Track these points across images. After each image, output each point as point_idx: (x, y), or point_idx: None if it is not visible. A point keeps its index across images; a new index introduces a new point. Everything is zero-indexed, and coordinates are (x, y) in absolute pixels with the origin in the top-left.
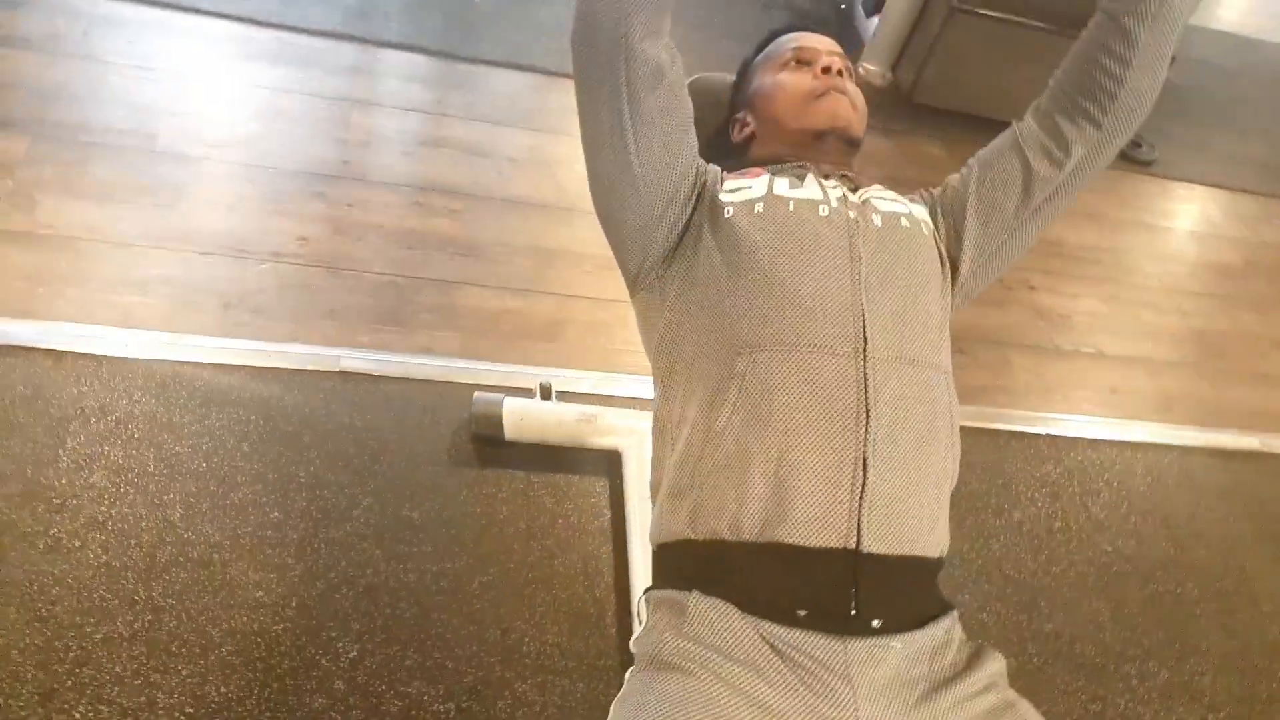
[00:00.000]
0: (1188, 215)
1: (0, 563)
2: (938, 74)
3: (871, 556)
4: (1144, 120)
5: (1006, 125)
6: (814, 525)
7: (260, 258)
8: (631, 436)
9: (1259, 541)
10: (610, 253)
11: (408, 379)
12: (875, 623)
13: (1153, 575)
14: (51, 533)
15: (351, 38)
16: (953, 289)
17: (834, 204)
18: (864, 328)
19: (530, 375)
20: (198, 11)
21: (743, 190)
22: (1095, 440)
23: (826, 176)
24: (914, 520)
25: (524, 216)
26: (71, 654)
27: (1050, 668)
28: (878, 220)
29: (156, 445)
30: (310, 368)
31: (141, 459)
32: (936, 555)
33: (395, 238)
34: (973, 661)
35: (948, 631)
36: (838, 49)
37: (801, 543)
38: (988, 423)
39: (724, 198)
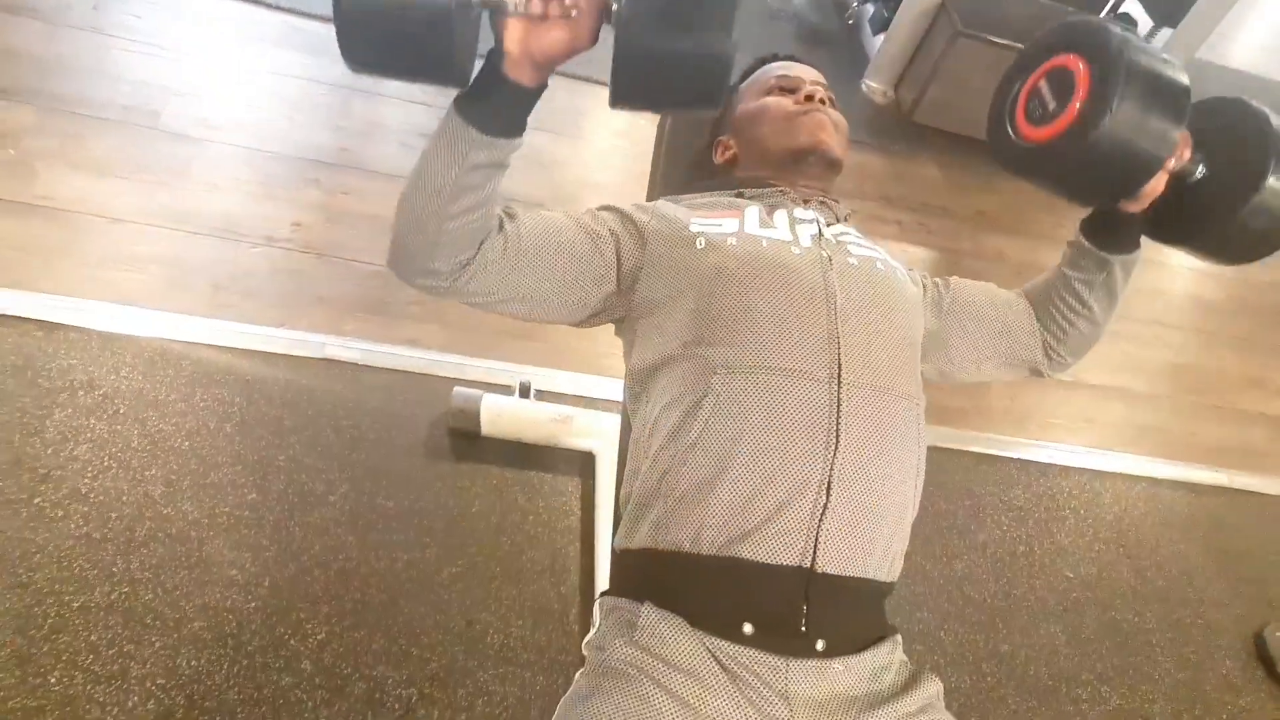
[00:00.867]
0: (1175, 251)
1: None
2: (939, 95)
3: (825, 576)
4: (1081, 359)
5: None
6: (774, 543)
7: (253, 241)
8: (606, 439)
9: (1219, 575)
10: None
11: (390, 370)
12: (820, 644)
13: (1111, 603)
14: (35, 501)
15: None
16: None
17: (806, 243)
18: (839, 354)
19: (511, 373)
20: None
21: (714, 227)
22: (1066, 467)
23: (806, 202)
24: (870, 544)
25: None
26: (49, 621)
27: (1003, 688)
28: (853, 260)
29: (141, 421)
30: (296, 353)
31: (126, 434)
32: (887, 580)
33: (388, 228)
34: (910, 684)
35: (889, 654)
36: (821, 79)
37: (760, 559)
38: (961, 444)
39: (696, 228)
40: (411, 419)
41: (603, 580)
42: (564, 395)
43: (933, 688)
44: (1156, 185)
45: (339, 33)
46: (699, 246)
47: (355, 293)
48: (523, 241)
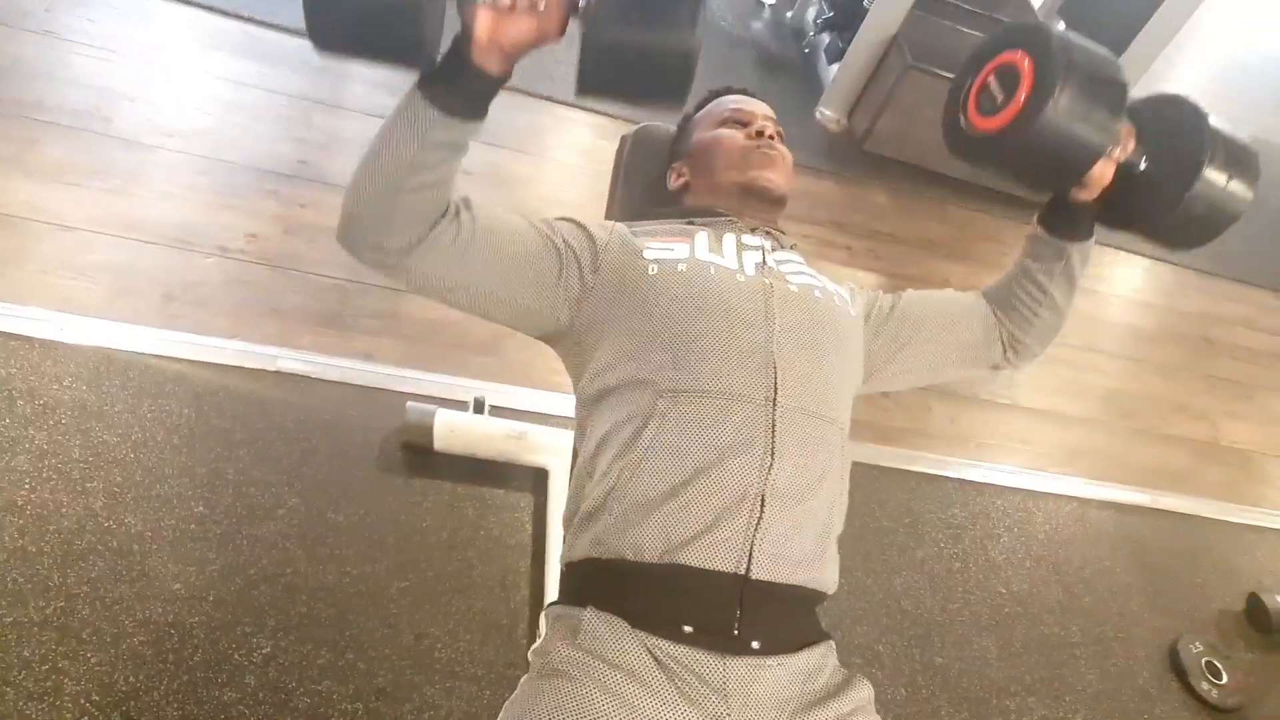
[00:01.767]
0: (1114, 279)
1: None
2: (890, 126)
3: (758, 583)
4: (1047, 347)
5: (953, 180)
6: (712, 551)
7: (206, 251)
8: (559, 455)
9: (1141, 592)
10: None
11: (344, 383)
12: (755, 643)
13: (1040, 618)
14: None
15: None
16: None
17: (750, 272)
18: (775, 379)
19: (466, 388)
20: None
21: (665, 252)
22: (1001, 487)
23: (752, 230)
24: (799, 554)
25: None
26: None
27: (936, 699)
28: (793, 287)
29: (84, 432)
30: (248, 365)
31: (67, 445)
32: (815, 589)
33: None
34: (843, 687)
35: (822, 657)
36: (772, 114)
37: (698, 565)
38: (902, 463)
39: (650, 254)
40: (364, 433)
41: (552, 595)
42: (518, 411)
43: (864, 692)
44: (1104, 175)
45: (306, 10)
46: (651, 273)
47: (310, 305)
48: (476, 231)
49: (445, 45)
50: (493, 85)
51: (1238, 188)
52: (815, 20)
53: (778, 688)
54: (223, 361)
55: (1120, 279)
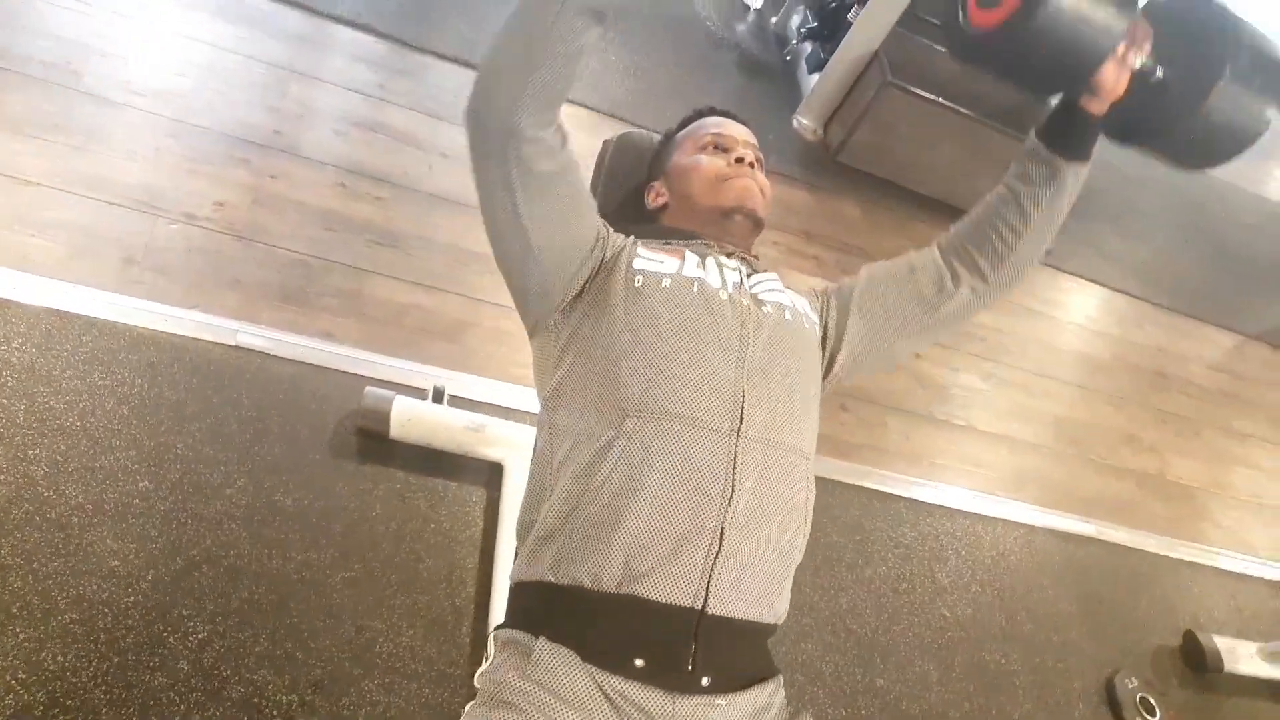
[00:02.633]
0: (1070, 307)
1: None
2: (865, 139)
3: (714, 617)
4: (1021, 284)
5: (923, 198)
6: (670, 583)
7: (171, 217)
8: (516, 450)
9: (1081, 621)
10: None
11: (302, 362)
12: (705, 680)
13: (982, 643)
14: None
15: (302, 6)
16: (826, 378)
17: (730, 291)
18: (742, 408)
19: (426, 375)
20: None
21: (656, 264)
22: (951, 510)
23: (729, 255)
24: (758, 589)
25: (448, 214)
26: None
27: None
28: (767, 309)
29: (30, 396)
30: (205, 337)
31: (11, 409)
32: (772, 622)
33: (314, 216)
34: None
35: (771, 695)
36: (753, 141)
37: (655, 598)
38: (856, 479)
39: (638, 265)
40: (319, 415)
41: (499, 594)
42: (478, 403)
43: None
44: (1118, 82)
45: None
46: (636, 284)
47: (274, 280)
48: (571, 161)
49: None
50: None
51: (1260, 102)
52: (799, 29)
53: None
54: (180, 332)
55: (1077, 307)
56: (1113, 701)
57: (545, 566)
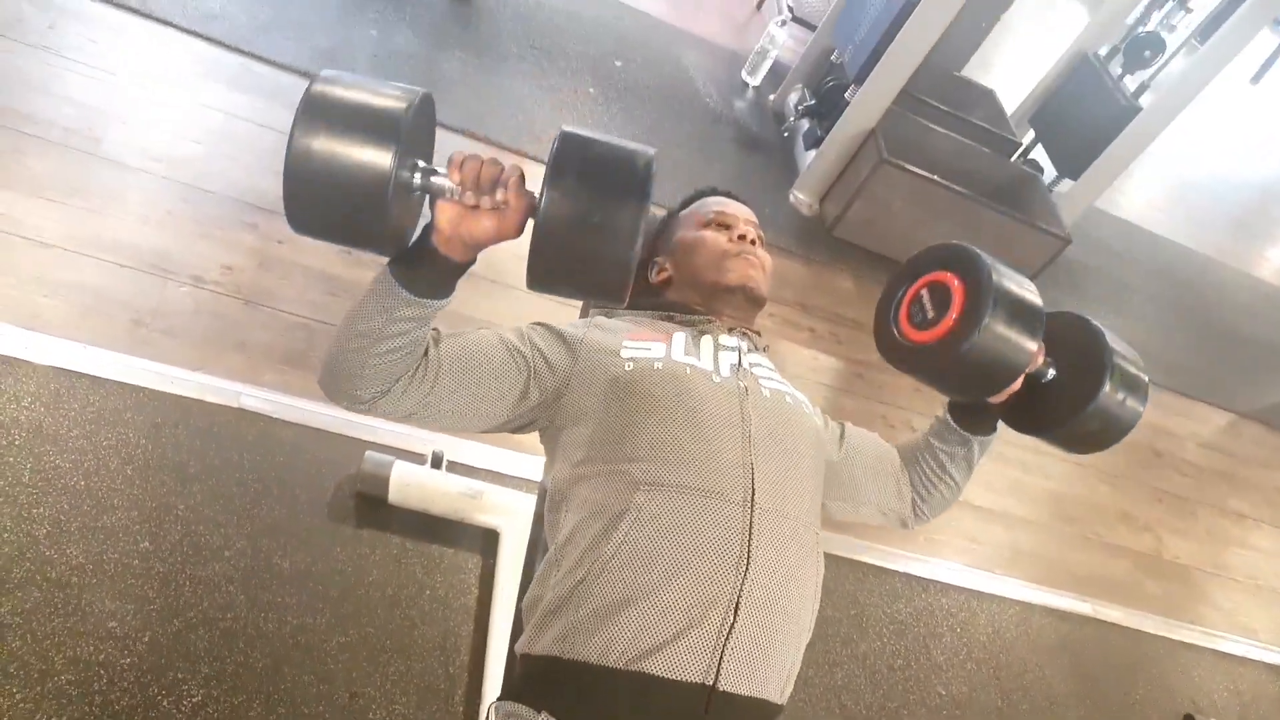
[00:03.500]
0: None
1: None
2: (860, 215)
3: (725, 695)
4: (943, 514)
5: None
6: (681, 659)
7: (180, 280)
8: (513, 517)
9: (1078, 702)
10: None
11: (304, 425)
12: None
13: None
14: None
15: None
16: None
17: (725, 373)
18: (752, 479)
19: (425, 440)
20: (168, 24)
21: (644, 350)
22: (947, 585)
23: (730, 330)
24: (771, 665)
25: None
26: None
27: None
28: (766, 391)
29: (36, 456)
30: (210, 399)
31: (17, 468)
32: (780, 701)
33: (319, 281)
34: None
35: None
36: (754, 219)
37: (665, 675)
38: (853, 554)
39: (627, 353)
40: (319, 478)
41: (494, 662)
42: (476, 469)
43: None
44: (1015, 384)
45: (285, 196)
46: (628, 369)
47: (278, 343)
48: (441, 366)
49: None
50: (456, 270)
51: (1131, 406)
52: (797, 106)
53: None
54: (186, 394)
55: None
56: None
57: (551, 640)
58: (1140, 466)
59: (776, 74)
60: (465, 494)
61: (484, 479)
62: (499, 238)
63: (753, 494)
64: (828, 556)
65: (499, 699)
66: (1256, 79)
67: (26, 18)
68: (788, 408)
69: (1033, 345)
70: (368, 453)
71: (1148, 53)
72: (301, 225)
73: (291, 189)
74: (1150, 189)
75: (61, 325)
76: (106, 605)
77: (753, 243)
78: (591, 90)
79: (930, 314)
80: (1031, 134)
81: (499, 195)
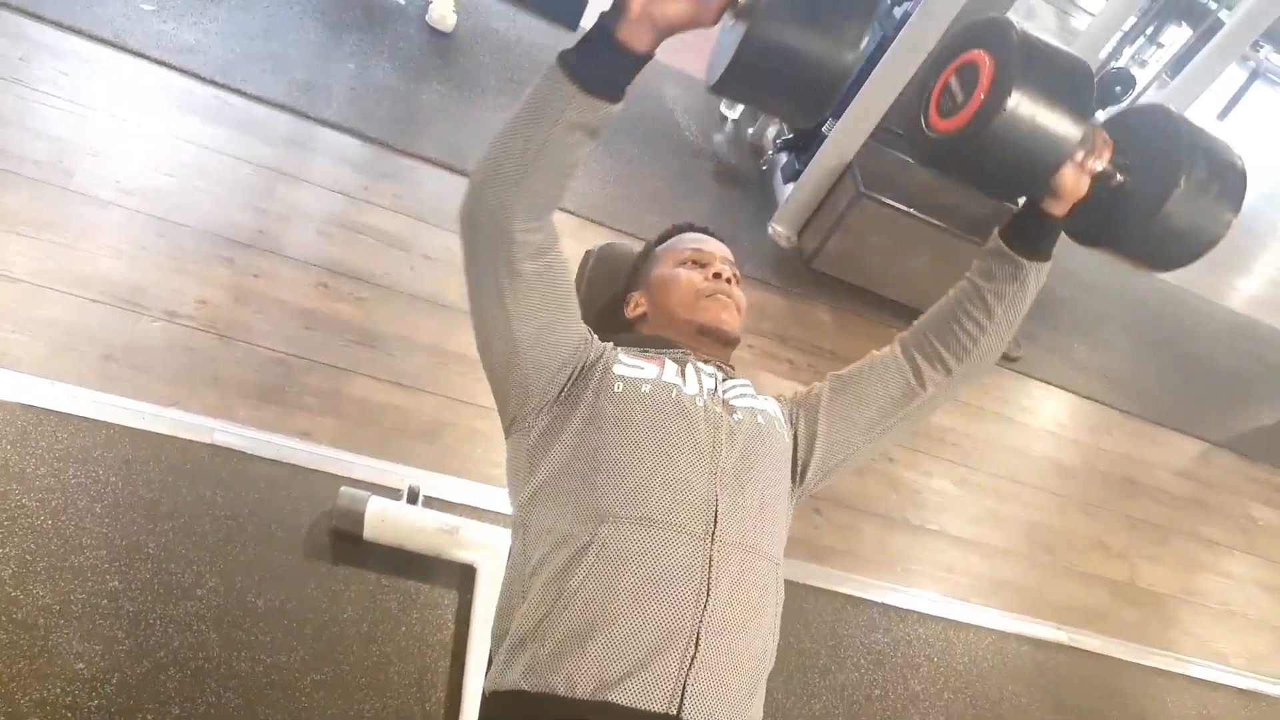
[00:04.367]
0: (1041, 413)
1: None
2: (838, 247)
3: None
4: (982, 377)
5: (894, 304)
6: (645, 689)
7: (153, 315)
8: (489, 553)
9: None
10: None
11: (278, 461)
12: None
13: None
14: None
15: (292, 110)
16: (798, 486)
17: (705, 398)
18: (716, 513)
19: (400, 475)
20: (142, 56)
21: (636, 370)
22: (924, 615)
23: (705, 362)
24: (732, 694)
25: (428, 315)
26: None
27: None
28: (738, 416)
29: (2, 495)
30: (182, 435)
31: None
32: None
33: (295, 316)
34: None
35: None
36: (730, 257)
37: (629, 704)
38: (830, 584)
39: (618, 370)
40: (293, 515)
41: (470, 699)
42: (452, 504)
43: None
44: (1078, 186)
45: None
46: (616, 390)
47: (252, 379)
48: (567, 269)
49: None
50: (635, 63)
51: (1218, 206)
52: (775, 140)
53: None
54: (158, 429)
55: (1046, 413)
56: None
57: (519, 674)
58: (1115, 495)
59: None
60: (441, 529)
61: (460, 514)
62: (694, 22)
63: (715, 527)
64: (805, 588)
65: None
66: (1224, 115)
67: None
68: (758, 432)
69: (1080, 121)
70: (343, 488)
71: (1118, 88)
72: None
73: None
74: None
75: (30, 361)
76: (74, 646)
77: (728, 281)
78: None
79: (959, 98)
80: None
81: None
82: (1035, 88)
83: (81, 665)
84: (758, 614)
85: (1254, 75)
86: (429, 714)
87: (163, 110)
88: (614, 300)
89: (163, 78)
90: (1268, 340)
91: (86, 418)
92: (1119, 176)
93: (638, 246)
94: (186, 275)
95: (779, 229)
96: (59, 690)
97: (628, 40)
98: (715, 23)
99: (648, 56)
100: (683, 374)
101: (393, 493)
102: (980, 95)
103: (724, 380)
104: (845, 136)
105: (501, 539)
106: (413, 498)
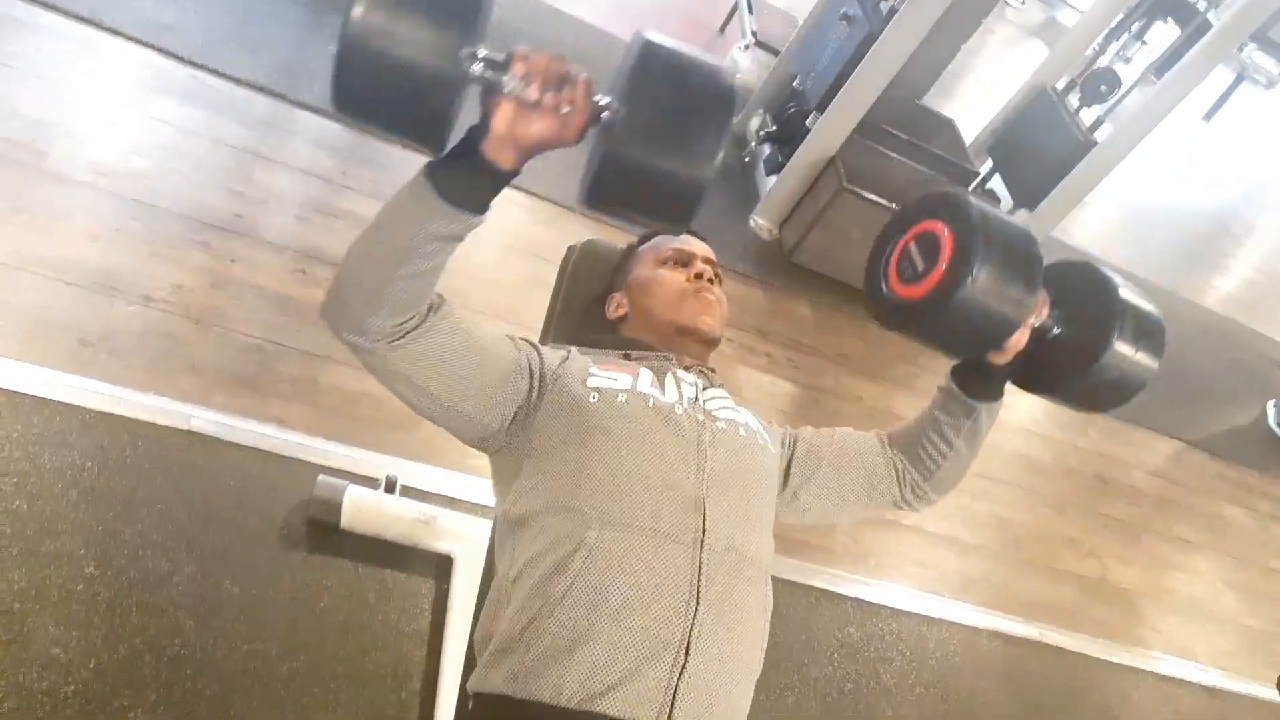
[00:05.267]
0: (1016, 408)
1: None
2: (819, 241)
3: None
4: (947, 495)
5: None
6: (633, 699)
7: (129, 299)
8: (467, 543)
9: None
10: None
11: (255, 449)
12: None
13: None
14: None
15: (271, 92)
16: (785, 502)
17: (686, 406)
18: (704, 519)
19: (378, 465)
20: (119, 34)
21: (610, 381)
22: (897, 610)
23: (687, 368)
24: (723, 703)
25: None
26: None
27: None
28: (721, 424)
29: None
30: (159, 421)
31: None
32: None
33: (272, 302)
34: None
35: None
36: (713, 256)
37: (618, 715)
38: (804, 578)
39: (593, 382)
40: (269, 503)
41: (446, 689)
42: (429, 494)
43: None
44: (1020, 341)
45: (337, 67)
46: (592, 401)
47: (229, 365)
48: (456, 328)
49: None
50: (502, 180)
51: (1145, 357)
52: (758, 131)
53: None
54: (133, 415)
55: (1020, 409)
56: None
57: (503, 679)
58: (1087, 494)
59: (738, 99)
60: (419, 519)
61: (438, 504)
62: (558, 142)
63: (703, 534)
64: (779, 582)
65: None
66: (1209, 116)
67: None
68: (741, 441)
69: (1031, 294)
70: (320, 477)
71: (1104, 87)
72: (347, 99)
73: (348, 57)
74: (1104, 219)
75: (4, 345)
76: (50, 631)
77: (710, 281)
78: None
79: (920, 267)
80: (989, 164)
81: (565, 94)
82: (993, 268)
83: (58, 650)
84: (748, 622)
85: (1240, 77)
86: (404, 704)
87: (139, 91)
88: (597, 300)
89: (140, 57)
90: (1243, 341)
91: (62, 402)
92: (1055, 329)
93: (618, 240)
94: (162, 259)
95: (760, 221)
96: (34, 676)
97: (494, 158)
98: (578, 142)
99: (513, 173)
100: (660, 383)
101: (370, 481)
102: (941, 269)
103: (704, 389)
104: (829, 130)
105: (479, 529)
106: (390, 487)
